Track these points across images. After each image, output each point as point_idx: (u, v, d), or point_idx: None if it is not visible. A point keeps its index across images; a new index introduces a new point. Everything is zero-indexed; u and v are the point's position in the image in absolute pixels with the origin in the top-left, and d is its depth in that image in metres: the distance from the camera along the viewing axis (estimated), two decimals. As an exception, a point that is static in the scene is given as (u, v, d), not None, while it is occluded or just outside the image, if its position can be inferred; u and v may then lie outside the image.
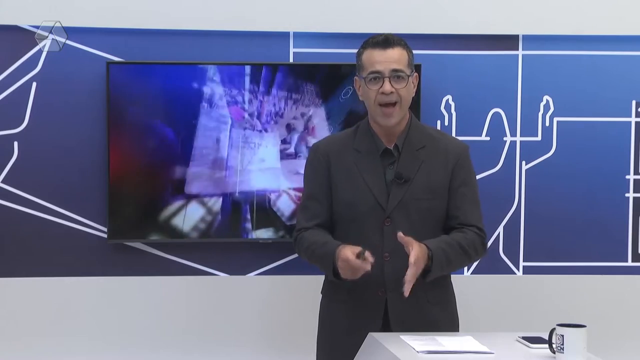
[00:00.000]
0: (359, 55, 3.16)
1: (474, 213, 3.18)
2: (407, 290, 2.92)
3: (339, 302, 3.20)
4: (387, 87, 3.09)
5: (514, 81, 4.15)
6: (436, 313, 3.17)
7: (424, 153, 3.16)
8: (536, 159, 4.18)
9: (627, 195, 4.21)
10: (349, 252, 2.97)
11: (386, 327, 3.13)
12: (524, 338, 2.88)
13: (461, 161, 3.19)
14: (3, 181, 3.97)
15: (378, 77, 3.10)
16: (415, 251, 2.94)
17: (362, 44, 3.16)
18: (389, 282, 3.11)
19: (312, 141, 3.96)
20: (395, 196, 3.11)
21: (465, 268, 4.11)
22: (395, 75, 3.10)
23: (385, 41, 3.12)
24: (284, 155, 4.01)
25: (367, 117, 3.22)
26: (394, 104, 3.10)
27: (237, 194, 3.99)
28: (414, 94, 3.18)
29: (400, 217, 3.11)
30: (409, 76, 3.11)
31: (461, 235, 3.13)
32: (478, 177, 3.33)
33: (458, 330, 3.26)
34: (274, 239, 4.04)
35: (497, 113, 4.15)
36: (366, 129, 3.20)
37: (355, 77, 3.19)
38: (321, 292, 3.31)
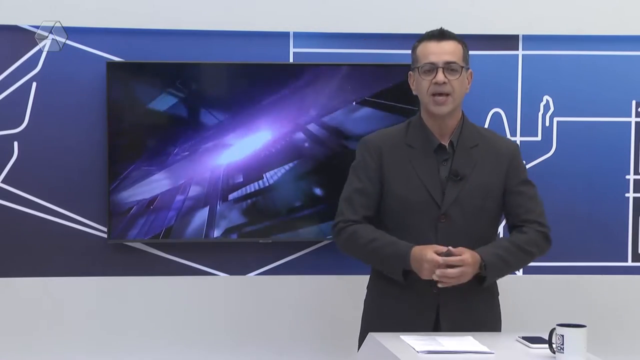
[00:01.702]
0: (414, 49, 3.23)
1: (534, 209, 3.23)
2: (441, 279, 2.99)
3: (389, 298, 3.21)
4: (440, 77, 3.13)
5: (514, 81, 4.15)
6: (484, 312, 3.22)
7: (478, 152, 3.20)
8: (536, 159, 4.18)
9: (627, 195, 4.21)
10: (432, 252, 3.00)
11: (436, 325, 3.15)
12: (524, 338, 2.89)
13: (515, 162, 3.25)
14: (3, 181, 3.97)
15: (432, 67, 3.14)
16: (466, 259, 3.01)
17: (418, 39, 3.22)
18: None
19: (312, 141, 3.97)
20: (451, 193, 3.14)
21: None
22: (449, 67, 3.14)
23: (440, 34, 3.19)
24: (284, 156, 4.00)
25: (419, 113, 3.26)
26: (446, 95, 3.14)
27: (237, 194, 3.99)
28: (467, 90, 3.24)
29: (456, 214, 3.14)
30: (462, 68, 3.14)
31: (521, 235, 3.19)
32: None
33: (501, 329, 3.29)
34: (274, 239, 4.04)
35: (497, 113, 4.15)
36: (419, 124, 3.23)
37: (410, 72, 3.24)
38: (367, 288, 3.32)
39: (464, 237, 3.13)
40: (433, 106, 3.17)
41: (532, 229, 3.19)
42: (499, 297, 3.29)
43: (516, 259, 3.17)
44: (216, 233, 4.00)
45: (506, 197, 3.21)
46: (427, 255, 3.01)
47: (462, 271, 3.01)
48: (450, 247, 3.02)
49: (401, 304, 3.18)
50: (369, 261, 3.22)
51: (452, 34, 3.21)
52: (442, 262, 2.99)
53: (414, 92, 3.24)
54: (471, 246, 3.10)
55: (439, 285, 3.03)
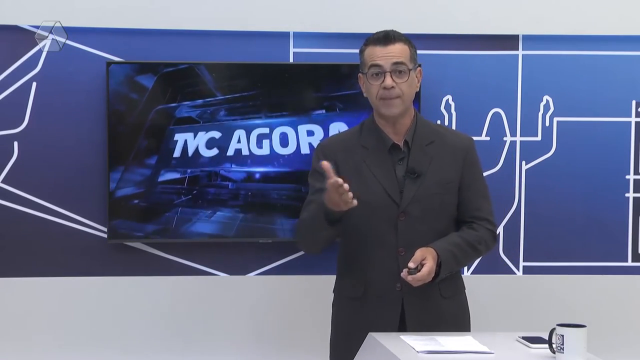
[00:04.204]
0: (361, 52, 3.22)
1: (484, 206, 3.26)
2: (410, 279, 3.00)
3: (354, 300, 3.21)
4: (389, 81, 3.13)
5: (514, 81, 4.16)
6: (449, 306, 3.22)
7: (433, 148, 3.20)
8: (536, 159, 4.18)
9: (627, 195, 4.21)
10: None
11: (402, 322, 3.15)
12: (524, 338, 2.89)
13: (469, 157, 3.26)
14: (3, 181, 3.97)
15: (379, 72, 3.14)
16: (428, 266, 3.01)
17: (364, 41, 3.20)
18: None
19: (312, 142, 3.98)
20: (409, 191, 3.14)
21: (466, 267, 4.12)
22: (397, 69, 3.14)
23: (385, 37, 3.17)
24: (283, 156, 4.00)
25: (371, 115, 3.26)
26: (396, 97, 3.14)
27: (237, 194, 3.99)
28: (417, 89, 3.24)
29: (415, 211, 3.15)
30: (410, 70, 3.14)
31: (472, 232, 3.21)
32: (479, 176, 3.35)
33: (470, 323, 3.30)
34: (274, 239, 4.04)
35: (497, 113, 4.16)
36: (372, 126, 3.23)
37: (359, 74, 3.23)
38: (333, 291, 3.32)
39: (424, 234, 3.14)
40: (384, 109, 3.17)
41: (482, 227, 3.23)
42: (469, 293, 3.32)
43: (466, 256, 3.20)
44: (216, 233, 4.00)
45: (459, 191, 3.23)
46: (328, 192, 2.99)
47: (428, 270, 3.01)
48: (420, 263, 3.02)
49: (365, 302, 3.18)
50: (312, 229, 3.16)
51: (398, 34, 3.19)
52: (336, 182, 2.94)
53: (365, 95, 3.24)
54: (431, 242, 3.12)
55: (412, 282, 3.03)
